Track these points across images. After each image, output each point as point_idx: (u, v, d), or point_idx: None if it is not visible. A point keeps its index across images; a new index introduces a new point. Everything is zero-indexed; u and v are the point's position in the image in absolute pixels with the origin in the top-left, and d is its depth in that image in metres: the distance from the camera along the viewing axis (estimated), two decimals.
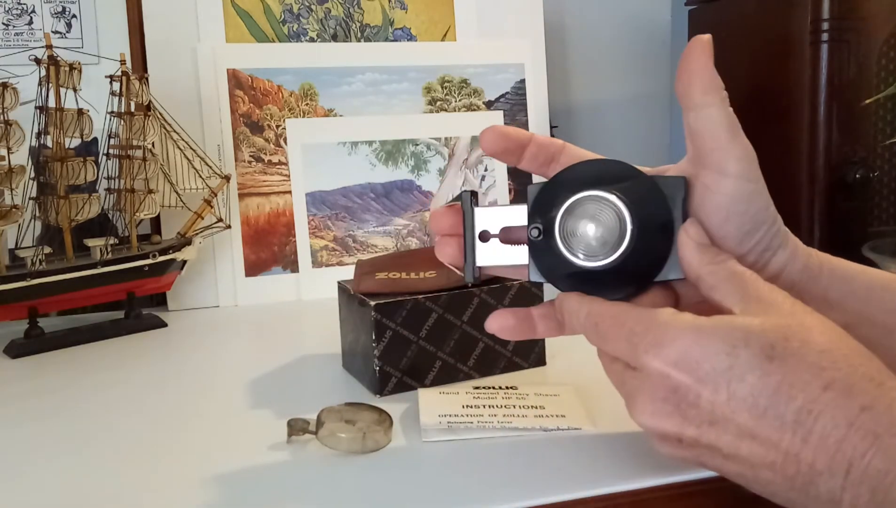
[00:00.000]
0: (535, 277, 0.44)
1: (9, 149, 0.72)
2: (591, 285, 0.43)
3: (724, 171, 0.41)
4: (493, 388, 0.57)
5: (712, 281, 0.40)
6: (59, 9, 0.90)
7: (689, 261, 0.41)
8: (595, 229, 0.41)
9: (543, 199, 0.43)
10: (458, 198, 0.46)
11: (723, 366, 0.36)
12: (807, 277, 0.43)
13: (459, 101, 0.99)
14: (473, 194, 0.45)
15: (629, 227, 0.40)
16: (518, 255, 0.45)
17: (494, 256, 0.45)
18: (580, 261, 0.41)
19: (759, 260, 0.42)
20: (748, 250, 0.42)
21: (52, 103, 0.75)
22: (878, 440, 0.33)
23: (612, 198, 0.41)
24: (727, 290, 0.39)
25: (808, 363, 0.35)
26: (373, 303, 0.57)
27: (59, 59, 0.75)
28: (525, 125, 1.01)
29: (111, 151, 0.80)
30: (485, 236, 0.45)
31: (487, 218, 0.45)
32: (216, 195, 0.85)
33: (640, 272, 0.42)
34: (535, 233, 0.42)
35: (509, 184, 1.00)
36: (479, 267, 0.45)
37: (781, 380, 0.35)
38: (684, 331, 0.37)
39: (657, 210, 0.42)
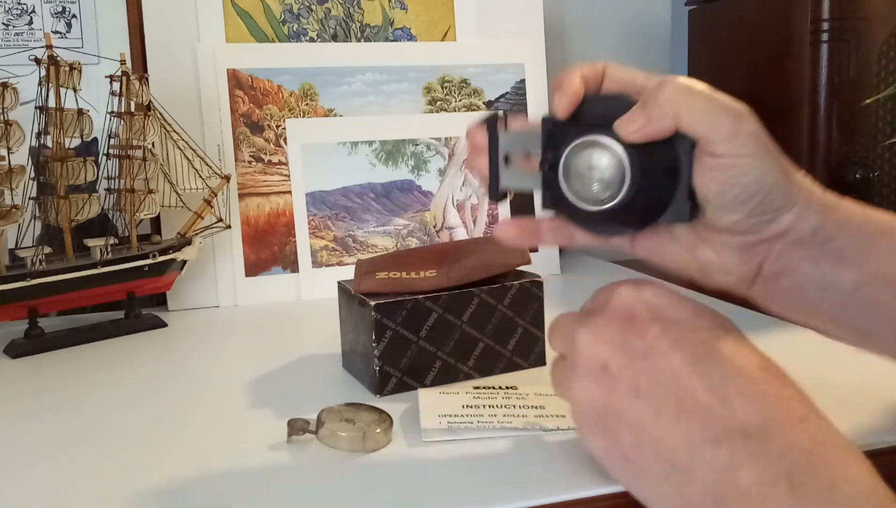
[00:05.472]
0: (547, 205, 0.45)
1: (9, 149, 0.72)
2: (592, 222, 0.44)
3: (712, 151, 0.41)
4: (493, 388, 0.57)
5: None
6: (59, 9, 0.90)
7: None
8: (595, 174, 0.42)
9: (558, 133, 0.43)
10: (484, 115, 0.47)
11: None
12: (819, 238, 0.43)
13: (459, 101, 0.99)
14: (504, 116, 0.46)
15: (628, 177, 0.41)
16: (533, 179, 0.45)
17: (516, 179, 0.46)
18: (580, 204, 0.42)
19: (756, 224, 0.42)
20: (744, 216, 0.42)
21: (52, 103, 0.75)
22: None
23: (613, 145, 0.41)
24: None
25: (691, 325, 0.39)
26: (373, 303, 0.57)
27: (59, 59, 0.75)
28: None
29: (111, 151, 0.80)
30: (509, 160, 0.46)
31: (512, 143, 0.46)
32: (216, 195, 0.85)
33: (640, 215, 0.43)
34: (545, 167, 0.43)
35: None
36: (504, 188, 0.46)
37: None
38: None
39: (662, 155, 0.42)
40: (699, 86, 0.42)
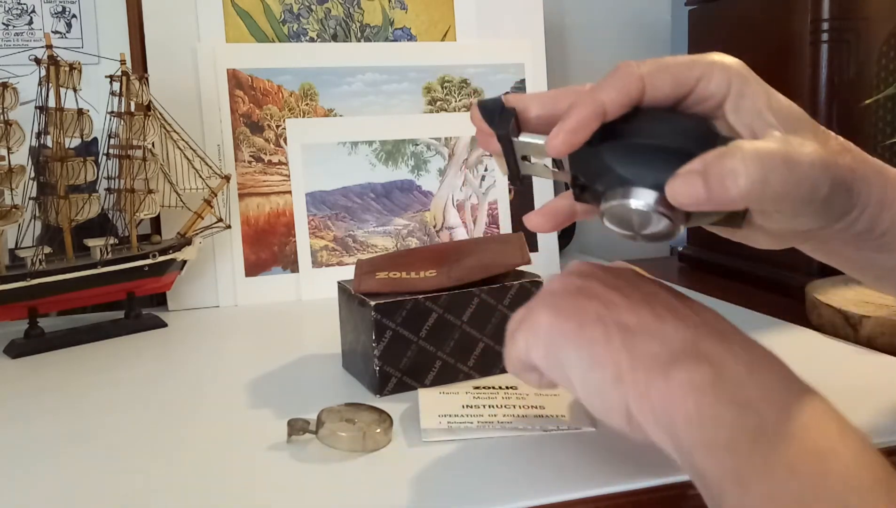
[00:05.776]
0: (581, 200, 0.43)
1: (9, 149, 0.72)
2: None
3: (778, 211, 0.39)
4: (493, 388, 0.57)
5: None
6: (59, 9, 0.90)
7: None
8: (641, 229, 0.39)
9: (590, 160, 0.40)
10: (492, 109, 0.43)
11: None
12: (866, 236, 0.42)
13: (459, 101, 0.99)
14: (513, 115, 0.42)
15: (680, 231, 0.39)
16: (562, 174, 0.43)
17: (538, 170, 0.44)
18: (625, 239, 0.41)
19: (804, 233, 0.42)
20: (792, 229, 0.41)
21: (52, 103, 0.75)
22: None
23: (662, 210, 0.38)
24: None
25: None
26: (373, 303, 0.57)
27: (59, 59, 0.75)
28: None
29: (111, 151, 0.80)
30: (528, 159, 0.44)
31: (530, 150, 0.43)
32: (216, 195, 0.85)
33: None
34: (577, 191, 0.42)
35: (509, 185, 0.99)
36: (525, 175, 0.45)
37: None
38: None
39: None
40: (776, 158, 0.36)
